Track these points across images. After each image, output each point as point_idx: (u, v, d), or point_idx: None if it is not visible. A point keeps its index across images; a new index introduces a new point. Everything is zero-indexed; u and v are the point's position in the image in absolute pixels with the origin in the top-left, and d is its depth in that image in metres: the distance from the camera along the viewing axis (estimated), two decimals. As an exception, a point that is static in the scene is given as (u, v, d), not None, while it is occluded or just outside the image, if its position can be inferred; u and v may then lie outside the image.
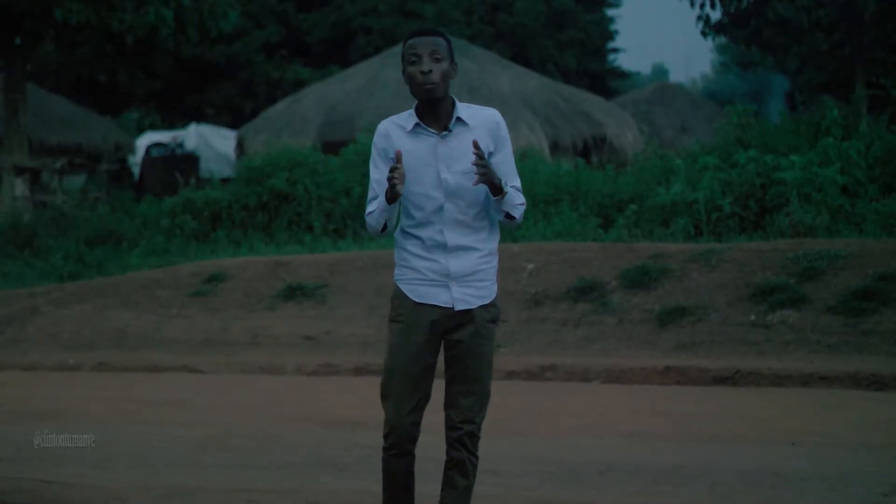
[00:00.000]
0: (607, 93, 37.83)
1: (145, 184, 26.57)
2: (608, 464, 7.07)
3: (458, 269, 4.51)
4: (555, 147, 24.03)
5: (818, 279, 11.64)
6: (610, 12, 44.33)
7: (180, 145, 29.28)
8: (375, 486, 5.75)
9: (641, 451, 7.57)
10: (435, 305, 4.51)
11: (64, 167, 24.40)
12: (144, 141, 31.04)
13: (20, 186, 20.63)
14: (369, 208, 4.55)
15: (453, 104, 4.53)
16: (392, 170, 4.38)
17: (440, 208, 4.49)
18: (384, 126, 4.59)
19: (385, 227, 4.54)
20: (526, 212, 14.96)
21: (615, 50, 45.43)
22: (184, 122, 34.63)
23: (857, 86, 23.67)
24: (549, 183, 15.90)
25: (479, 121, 4.54)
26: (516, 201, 4.54)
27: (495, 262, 4.61)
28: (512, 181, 4.56)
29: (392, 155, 4.50)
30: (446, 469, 4.60)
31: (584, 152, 24.14)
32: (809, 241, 12.43)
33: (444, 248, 4.51)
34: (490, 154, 4.53)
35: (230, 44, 33.24)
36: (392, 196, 4.40)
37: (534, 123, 24.15)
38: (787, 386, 10.18)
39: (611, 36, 43.81)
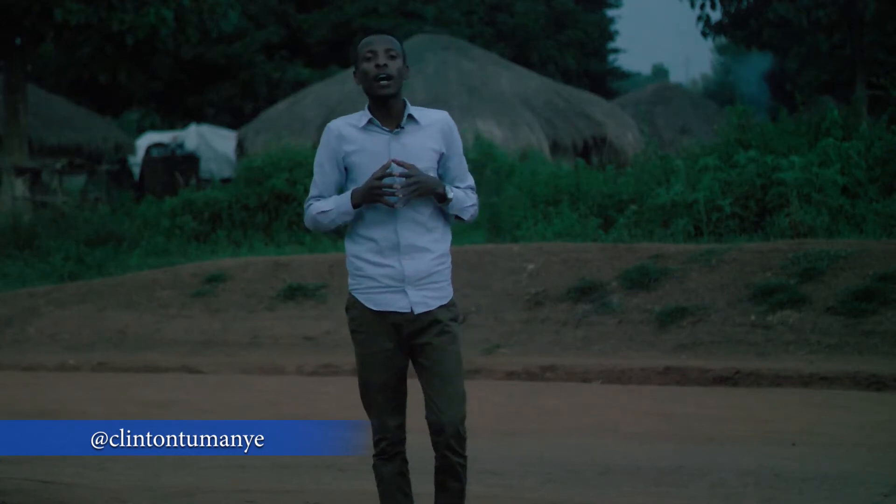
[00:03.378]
0: (607, 93, 37.82)
1: (145, 184, 26.53)
2: (608, 464, 7.06)
3: (413, 272, 4.46)
4: (555, 147, 24.05)
5: (818, 279, 11.63)
6: (610, 13, 44.35)
7: (180, 146, 29.23)
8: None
9: (641, 451, 7.57)
10: (394, 312, 4.46)
11: (64, 168, 24.41)
12: (145, 141, 30.99)
13: (20, 187, 20.62)
14: (320, 206, 4.49)
15: (405, 105, 4.53)
16: (381, 178, 4.38)
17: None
18: (336, 125, 4.55)
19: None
20: (526, 212, 15.08)
21: (615, 50, 45.43)
22: (184, 122, 34.58)
23: (858, 86, 23.69)
24: (549, 183, 15.90)
25: (432, 121, 4.54)
26: (466, 203, 4.55)
27: (449, 264, 4.57)
28: (464, 182, 4.58)
29: (342, 155, 4.49)
30: (437, 473, 4.57)
31: (585, 153, 24.14)
32: (809, 242, 12.42)
33: (397, 248, 4.46)
34: (442, 155, 4.53)
35: (230, 44, 33.24)
36: (360, 203, 4.40)
37: (534, 124, 24.16)
38: (787, 386, 10.18)
39: (611, 36, 43.79)
